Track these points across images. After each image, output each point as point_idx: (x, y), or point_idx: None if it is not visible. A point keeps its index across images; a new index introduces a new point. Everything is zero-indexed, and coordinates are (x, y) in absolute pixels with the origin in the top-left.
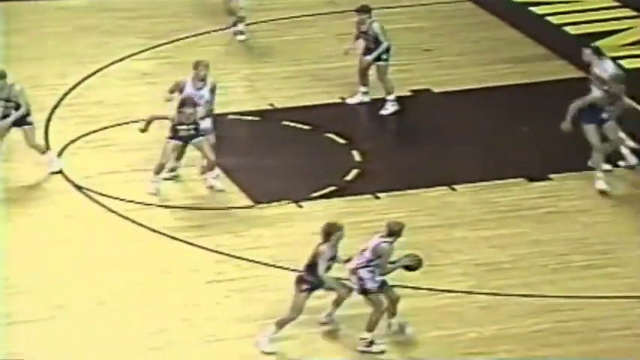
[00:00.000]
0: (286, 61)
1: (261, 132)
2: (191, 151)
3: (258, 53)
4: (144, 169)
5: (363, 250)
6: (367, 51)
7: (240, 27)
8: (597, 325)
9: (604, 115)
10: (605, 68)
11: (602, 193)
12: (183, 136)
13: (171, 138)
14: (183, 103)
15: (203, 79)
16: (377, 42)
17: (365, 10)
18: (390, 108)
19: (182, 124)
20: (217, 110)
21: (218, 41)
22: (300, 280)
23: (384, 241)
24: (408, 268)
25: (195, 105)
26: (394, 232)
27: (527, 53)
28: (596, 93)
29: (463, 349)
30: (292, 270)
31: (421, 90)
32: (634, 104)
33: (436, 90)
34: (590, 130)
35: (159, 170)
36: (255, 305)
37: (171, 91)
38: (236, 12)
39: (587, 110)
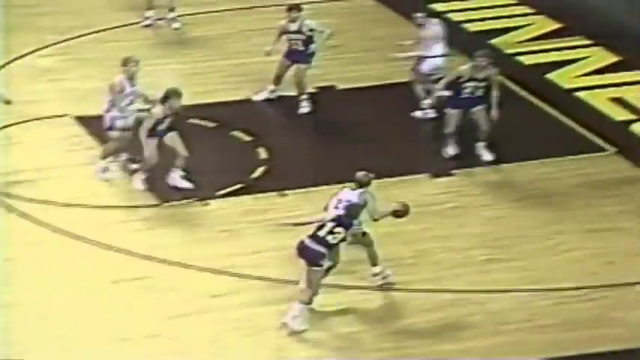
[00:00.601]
0: (192, 58)
1: None
2: (95, 148)
3: (163, 50)
4: (48, 167)
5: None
6: (291, 52)
7: (172, 15)
8: (500, 318)
9: (467, 97)
10: (432, 29)
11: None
12: (162, 130)
13: (150, 136)
14: (167, 96)
15: (132, 77)
16: (308, 41)
17: (298, 7)
18: (307, 106)
19: (167, 116)
20: None
21: (123, 37)
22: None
23: (364, 192)
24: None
25: (180, 95)
26: (364, 183)
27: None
28: (460, 68)
29: (371, 345)
30: (200, 269)
31: (326, 87)
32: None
33: (341, 86)
34: (452, 116)
35: (146, 169)
36: (161, 304)
37: (112, 102)
38: (170, 4)
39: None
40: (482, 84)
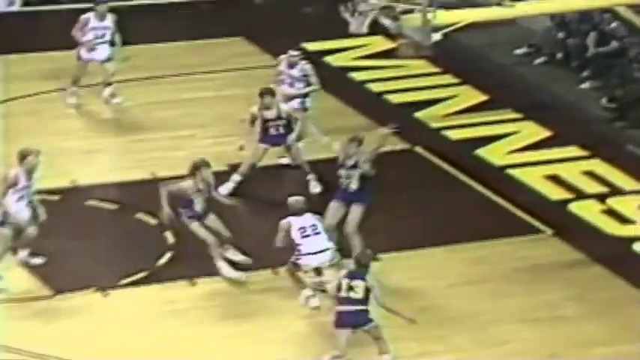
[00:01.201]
0: (88, 134)
1: (61, 213)
2: None
3: (56, 125)
4: None
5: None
6: (270, 136)
7: (109, 90)
8: None
9: (345, 188)
10: (304, 69)
11: None
12: (202, 210)
13: (191, 217)
14: (197, 167)
15: (32, 170)
16: (289, 124)
17: (272, 92)
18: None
19: (199, 190)
20: None
21: (9, 111)
22: None
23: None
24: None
25: (208, 165)
26: (303, 207)
27: (348, 124)
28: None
29: None
30: None
31: (239, 164)
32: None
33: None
34: (332, 208)
35: (218, 248)
36: None
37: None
38: (107, 78)
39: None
40: (354, 172)
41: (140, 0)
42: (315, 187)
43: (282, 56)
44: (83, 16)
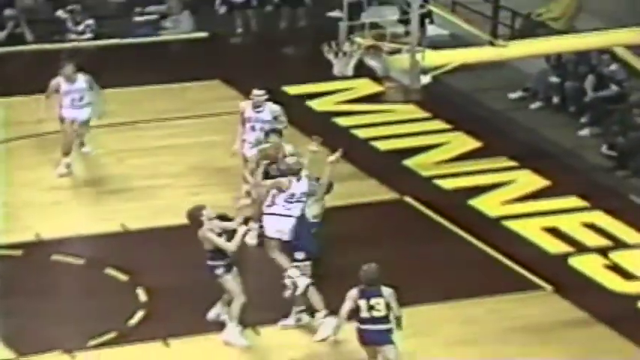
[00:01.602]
0: (54, 184)
1: (25, 269)
2: None
3: (19, 175)
4: None
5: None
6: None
7: (79, 139)
8: None
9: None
10: (273, 110)
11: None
12: (229, 261)
13: (226, 270)
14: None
15: None
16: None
17: (279, 132)
18: None
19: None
20: None
21: None
22: None
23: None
24: None
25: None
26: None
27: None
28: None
29: None
30: None
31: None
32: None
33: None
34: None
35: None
36: None
37: None
38: (79, 131)
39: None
40: None
41: (110, 41)
42: None
43: (244, 102)
44: (53, 82)
